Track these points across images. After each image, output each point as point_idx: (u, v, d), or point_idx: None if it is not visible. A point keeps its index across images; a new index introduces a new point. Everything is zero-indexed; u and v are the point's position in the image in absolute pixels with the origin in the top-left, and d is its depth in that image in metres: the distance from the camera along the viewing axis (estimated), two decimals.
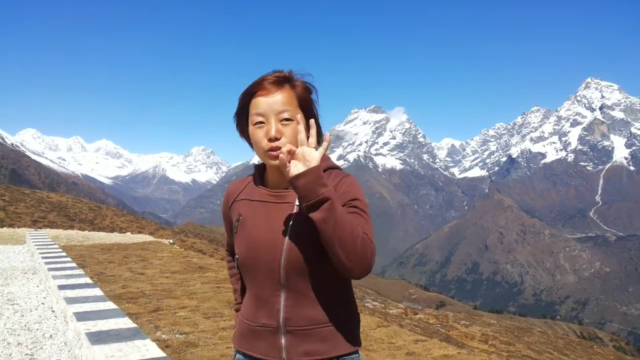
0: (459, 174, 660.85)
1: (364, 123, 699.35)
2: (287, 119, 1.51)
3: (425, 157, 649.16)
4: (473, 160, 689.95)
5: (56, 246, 10.24)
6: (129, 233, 24.83)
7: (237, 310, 1.80)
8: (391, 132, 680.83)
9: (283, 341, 1.52)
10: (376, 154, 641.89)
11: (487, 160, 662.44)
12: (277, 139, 1.49)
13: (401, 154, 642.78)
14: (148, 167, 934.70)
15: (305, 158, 1.41)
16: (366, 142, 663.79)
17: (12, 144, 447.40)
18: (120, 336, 3.74)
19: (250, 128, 1.55)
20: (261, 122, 1.52)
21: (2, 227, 24.42)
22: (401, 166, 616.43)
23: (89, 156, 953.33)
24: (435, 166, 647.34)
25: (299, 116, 1.48)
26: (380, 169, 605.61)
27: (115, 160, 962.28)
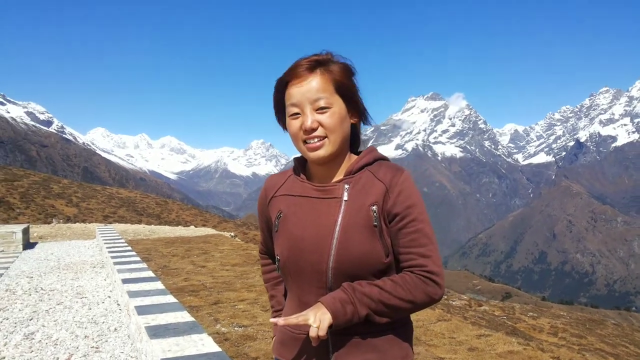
0: (523, 160, 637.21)
1: (422, 111, 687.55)
2: (323, 108, 1.35)
3: (486, 143, 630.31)
4: (538, 146, 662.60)
5: (122, 241, 10.63)
6: (192, 226, 25.56)
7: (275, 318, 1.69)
8: (450, 119, 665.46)
9: (330, 351, 1.37)
10: (435, 142, 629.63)
11: (553, 146, 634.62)
12: (313, 130, 1.36)
13: (461, 142, 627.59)
14: (210, 161, 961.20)
15: (321, 325, 1.25)
16: (424, 130, 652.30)
17: (84, 143, 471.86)
18: (178, 330, 3.77)
19: (287, 120, 1.42)
20: (296, 114, 1.38)
21: (75, 222, 25.78)
22: (461, 154, 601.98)
23: (154, 152, 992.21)
24: (498, 153, 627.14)
25: (337, 103, 1.36)
26: (439, 158, 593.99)
27: (179, 156, 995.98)
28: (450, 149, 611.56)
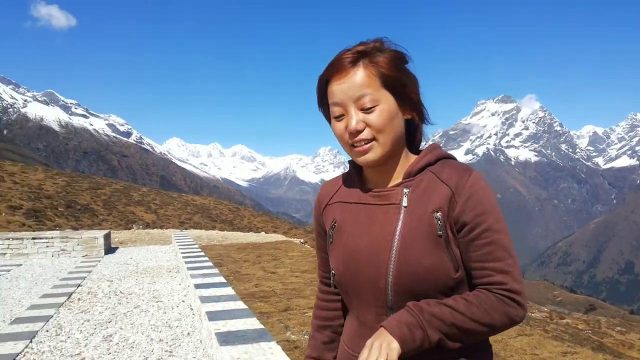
0: (604, 164, 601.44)
1: (493, 114, 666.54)
2: (369, 107, 1.15)
3: (563, 147, 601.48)
4: (620, 149, 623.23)
5: (196, 246, 10.92)
6: (263, 232, 25.99)
7: None
8: (523, 122, 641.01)
9: None
10: (507, 147, 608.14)
11: (637, 148, 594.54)
12: (359, 132, 1.16)
13: (536, 145, 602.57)
14: (280, 169, 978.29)
15: (390, 358, 1.05)
16: (495, 134, 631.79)
17: (161, 153, 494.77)
18: (247, 337, 3.75)
19: (332, 122, 1.22)
20: (341, 115, 1.19)
21: (153, 228, 26.93)
22: (536, 158, 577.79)
23: (226, 161, 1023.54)
24: (576, 157, 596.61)
25: (384, 98, 1.16)
26: (512, 162, 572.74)
27: (250, 164, 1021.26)
28: (524, 153, 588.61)
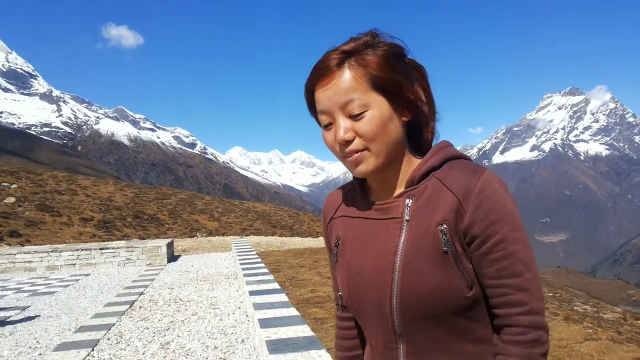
0: None
1: (559, 108, 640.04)
2: (357, 113, 1.00)
3: (637, 139, 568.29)
4: None
5: (254, 253, 11.03)
6: (321, 237, 26.03)
7: None
8: (593, 114, 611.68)
9: None
10: (576, 141, 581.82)
11: None
12: (348, 142, 1.00)
13: (607, 138, 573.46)
14: (339, 173, 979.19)
15: None
16: (563, 128, 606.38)
17: (223, 162, 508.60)
18: (297, 345, 3.68)
19: (322, 131, 1.07)
20: (329, 124, 1.03)
21: (215, 235, 27.58)
22: (608, 152, 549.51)
23: (286, 167, 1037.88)
24: None
25: (374, 102, 0.99)
26: (582, 157, 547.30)
27: (309, 169, 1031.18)
28: (594, 147, 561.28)
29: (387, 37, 1.05)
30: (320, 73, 1.02)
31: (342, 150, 1.03)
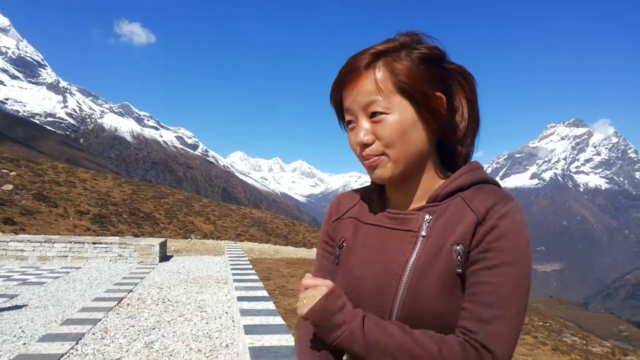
0: None
1: (562, 138, 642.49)
2: (377, 113, 0.95)
3: (637, 175, 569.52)
4: None
5: (246, 259, 11.03)
6: (314, 248, 26.01)
7: None
8: (595, 147, 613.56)
9: None
10: (577, 172, 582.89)
11: None
12: (367, 145, 0.97)
13: (607, 172, 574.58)
14: (338, 185, 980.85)
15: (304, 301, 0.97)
16: (564, 159, 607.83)
17: (224, 165, 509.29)
18: (279, 354, 3.70)
19: (348, 131, 1.03)
20: (352, 122, 1.00)
21: (210, 238, 27.55)
22: (607, 185, 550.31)
23: (286, 176, 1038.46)
24: None
25: (397, 104, 0.95)
26: (581, 189, 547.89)
27: (309, 180, 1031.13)
28: (594, 180, 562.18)
29: (428, 39, 1.00)
30: (348, 72, 0.98)
31: (362, 153, 0.99)
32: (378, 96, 0.95)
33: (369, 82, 0.95)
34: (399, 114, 0.95)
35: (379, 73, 0.95)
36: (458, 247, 0.91)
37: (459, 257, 0.91)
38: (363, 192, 1.15)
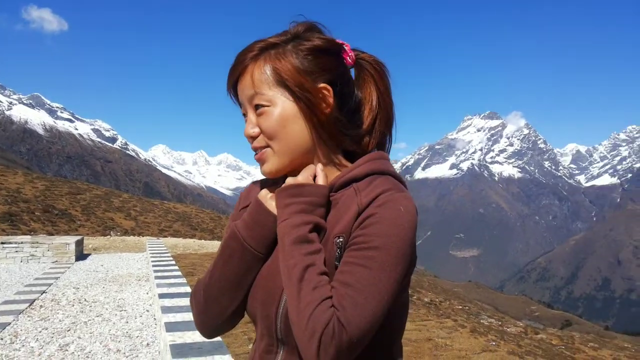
0: (586, 182, 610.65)
1: (478, 130, 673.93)
2: (260, 105, 0.96)
3: (546, 164, 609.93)
4: (602, 167, 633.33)
5: (169, 255, 10.79)
6: None
7: None
8: (508, 138, 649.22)
9: None
10: (492, 162, 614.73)
11: (619, 167, 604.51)
12: (253, 138, 0.98)
13: (519, 162, 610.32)
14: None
15: None
16: (480, 149, 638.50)
17: (145, 159, 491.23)
18: (202, 350, 3.68)
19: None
20: (244, 115, 1.01)
21: (132, 235, 26.60)
22: (520, 174, 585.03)
23: (211, 169, 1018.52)
24: (559, 174, 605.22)
25: (275, 97, 0.95)
26: (496, 178, 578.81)
27: (235, 173, 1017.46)
28: (507, 169, 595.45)
29: (324, 29, 1.01)
30: (236, 65, 0.99)
31: (252, 146, 1.00)
32: (260, 88, 0.95)
33: (253, 75, 0.96)
34: (280, 107, 0.95)
35: (263, 66, 0.96)
36: (339, 240, 0.90)
37: (338, 250, 0.90)
38: (272, 182, 1.08)
